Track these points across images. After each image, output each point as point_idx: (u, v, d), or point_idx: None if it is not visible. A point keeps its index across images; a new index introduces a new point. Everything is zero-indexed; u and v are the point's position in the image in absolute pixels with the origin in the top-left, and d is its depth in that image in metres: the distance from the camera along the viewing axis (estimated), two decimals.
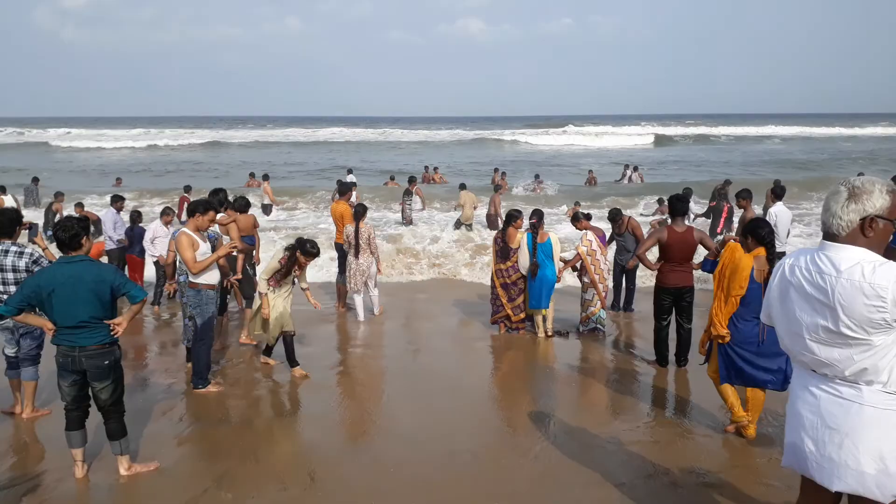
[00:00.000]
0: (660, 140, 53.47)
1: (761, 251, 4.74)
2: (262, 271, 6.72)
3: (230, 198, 8.09)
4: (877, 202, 2.39)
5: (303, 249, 6.49)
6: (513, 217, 7.92)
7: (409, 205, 16.29)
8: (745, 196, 9.02)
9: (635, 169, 25.73)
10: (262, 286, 6.56)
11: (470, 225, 15.18)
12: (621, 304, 9.27)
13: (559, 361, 6.94)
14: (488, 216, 15.28)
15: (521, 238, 7.84)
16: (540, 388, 6.27)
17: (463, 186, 16.76)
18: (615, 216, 9.24)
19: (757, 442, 4.81)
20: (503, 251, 7.92)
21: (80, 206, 13.32)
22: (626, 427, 5.19)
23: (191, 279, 5.98)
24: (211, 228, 6.61)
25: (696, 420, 5.31)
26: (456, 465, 4.58)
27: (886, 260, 2.40)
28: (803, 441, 2.55)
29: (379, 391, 6.31)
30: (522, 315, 7.93)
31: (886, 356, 2.35)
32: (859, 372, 2.39)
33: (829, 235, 2.50)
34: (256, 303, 6.68)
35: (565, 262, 8.14)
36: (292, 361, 6.52)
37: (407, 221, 16.02)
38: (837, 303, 2.38)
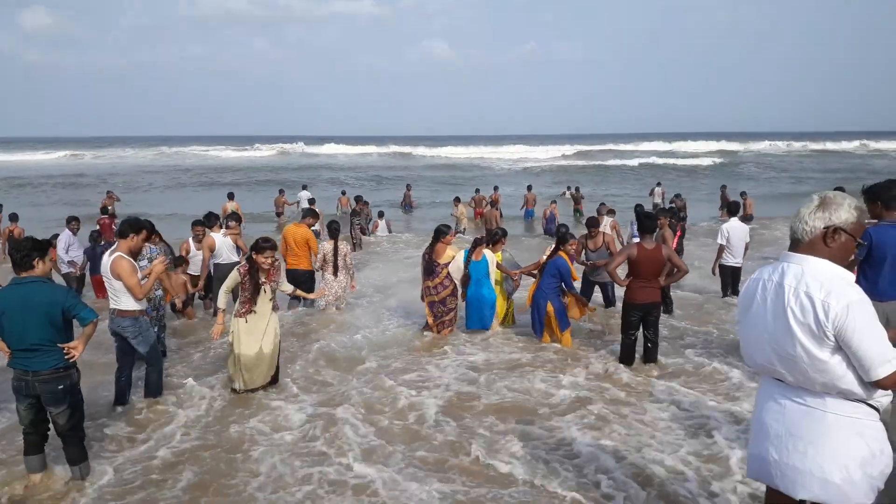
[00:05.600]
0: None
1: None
2: (223, 286, 6.17)
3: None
4: (843, 215, 2.48)
5: (254, 247, 5.94)
6: (441, 232, 7.90)
7: (359, 225, 16.51)
8: (664, 216, 9.21)
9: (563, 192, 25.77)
10: (220, 300, 6.18)
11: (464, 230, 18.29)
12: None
13: (520, 372, 6.84)
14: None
15: (454, 254, 7.87)
16: (502, 399, 6.17)
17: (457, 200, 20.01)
18: (592, 224, 8.95)
19: (727, 456, 4.87)
20: (428, 267, 7.85)
21: None
22: (591, 436, 5.23)
23: (120, 307, 5.50)
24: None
25: (662, 430, 5.39)
26: (416, 476, 4.59)
27: (845, 277, 2.45)
28: (767, 450, 2.57)
29: (337, 412, 6.18)
30: (448, 331, 7.86)
31: (840, 367, 2.38)
32: (817, 381, 2.43)
33: (794, 242, 2.57)
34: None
35: (523, 269, 8.23)
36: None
37: (357, 240, 15.89)
38: (791, 314, 2.45)
